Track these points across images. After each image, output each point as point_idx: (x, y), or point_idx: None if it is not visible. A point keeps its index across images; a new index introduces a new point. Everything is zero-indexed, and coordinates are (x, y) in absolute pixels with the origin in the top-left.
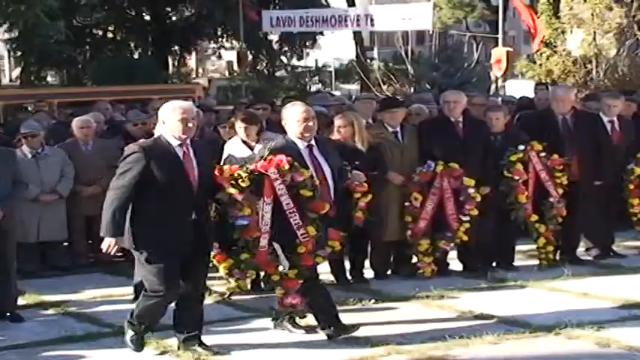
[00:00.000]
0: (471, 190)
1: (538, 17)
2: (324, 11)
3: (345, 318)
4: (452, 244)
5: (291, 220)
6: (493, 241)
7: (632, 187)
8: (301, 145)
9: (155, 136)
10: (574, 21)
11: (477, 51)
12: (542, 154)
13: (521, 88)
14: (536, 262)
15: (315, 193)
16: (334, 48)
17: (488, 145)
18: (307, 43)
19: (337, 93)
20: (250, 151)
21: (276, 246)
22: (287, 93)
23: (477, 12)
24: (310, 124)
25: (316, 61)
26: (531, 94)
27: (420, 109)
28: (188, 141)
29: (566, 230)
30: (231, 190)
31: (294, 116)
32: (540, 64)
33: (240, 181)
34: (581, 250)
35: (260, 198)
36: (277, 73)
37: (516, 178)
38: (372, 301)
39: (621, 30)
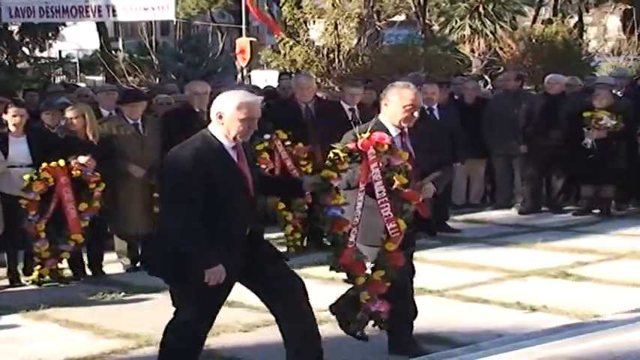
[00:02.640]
0: None
1: (280, 7)
2: (65, 1)
3: (97, 311)
4: None
5: (382, 211)
6: None
7: None
8: (394, 131)
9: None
10: (315, 11)
11: (221, 41)
12: (288, 142)
13: (267, 77)
14: (284, 249)
15: (411, 181)
16: (78, 39)
17: None
18: (50, 34)
19: (82, 84)
20: None
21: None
22: (29, 85)
23: (221, 2)
24: (416, 114)
25: (60, 52)
26: (276, 84)
27: (166, 99)
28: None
29: (312, 217)
30: (329, 173)
31: (402, 100)
32: (284, 54)
33: (339, 162)
34: None
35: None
36: (19, 65)
37: (263, 167)
38: (123, 293)
39: (361, 20)
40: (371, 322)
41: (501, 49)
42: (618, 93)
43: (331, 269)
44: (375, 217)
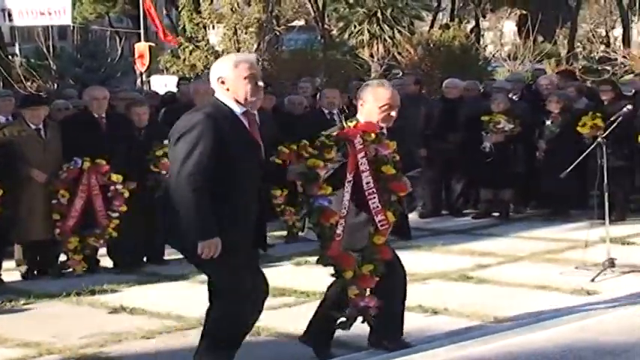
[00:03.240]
0: (119, 187)
1: (179, 12)
2: None
3: None
4: (102, 241)
5: (370, 203)
6: (142, 237)
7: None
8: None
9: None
10: (214, 16)
11: (120, 46)
12: None
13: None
14: None
15: (398, 172)
16: None
17: (132, 140)
18: None
19: None
20: None
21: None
22: None
23: (119, 7)
24: (394, 114)
25: None
26: (175, 89)
27: (64, 104)
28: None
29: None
30: (315, 162)
31: (380, 100)
32: (184, 59)
33: (325, 151)
34: None
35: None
36: None
37: (163, 172)
38: (23, 301)
39: (261, 25)
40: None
41: (400, 53)
42: (515, 97)
43: (318, 262)
44: (360, 218)
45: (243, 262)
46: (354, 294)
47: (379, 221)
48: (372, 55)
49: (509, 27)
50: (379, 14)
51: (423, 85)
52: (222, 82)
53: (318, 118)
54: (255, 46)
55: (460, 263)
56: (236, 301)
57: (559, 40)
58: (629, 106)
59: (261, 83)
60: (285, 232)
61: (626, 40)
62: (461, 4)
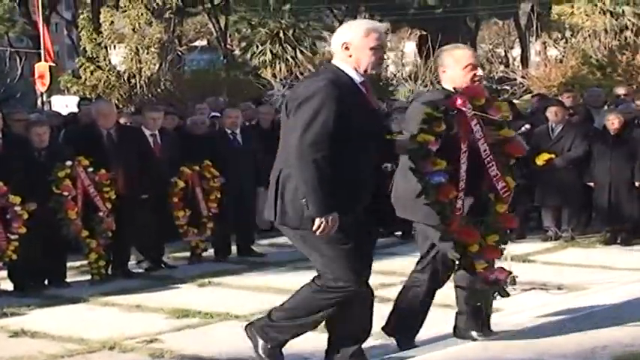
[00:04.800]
0: (18, 208)
1: (79, 32)
2: None
3: None
4: (1, 264)
5: (490, 170)
6: (44, 258)
7: (176, 199)
8: None
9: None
10: (115, 36)
11: (20, 66)
12: (90, 169)
13: (68, 102)
14: (88, 277)
15: (515, 135)
16: None
17: (32, 161)
18: None
19: None
20: None
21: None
22: None
23: (19, 27)
24: (480, 72)
25: None
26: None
27: None
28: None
29: (117, 244)
30: (426, 137)
31: (461, 61)
32: (85, 80)
33: (435, 124)
34: (132, 263)
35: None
36: None
37: (65, 194)
38: None
39: (162, 45)
40: None
41: (302, 73)
42: None
43: (441, 240)
44: None
45: (357, 246)
46: (483, 267)
47: (500, 188)
48: (274, 75)
49: (410, 47)
50: (281, 35)
51: None
52: (347, 48)
53: (220, 139)
54: (157, 66)
55: None
56: (348, 292)
57: None
58: (527, 126)
59: (385, 56)
60: (188, 253)
61: (525, 60)
62: None
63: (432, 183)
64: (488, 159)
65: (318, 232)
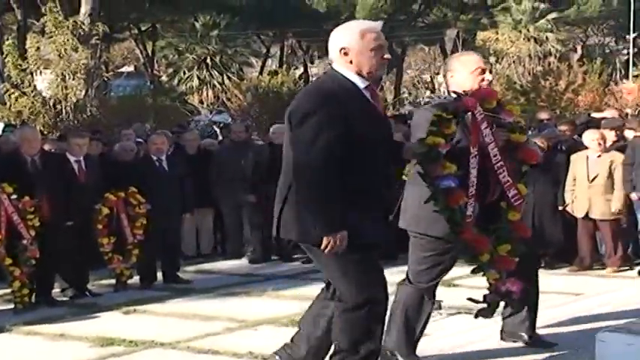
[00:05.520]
0: None
1: (4, 58)
2: None
3: None
4: None
5: (500, 177)
6: None
7: (101, 226)
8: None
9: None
10: (41, 62)
11: None
12: (14, 195)
13: None
14: (11, 305)
15: (528, 140)
16: None
17: None
18: None
19: None
20: None
21: None
22: None
23: None
24: (489, 76)
25: None
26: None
27: None
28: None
29: (40, 272)
30: (435, 140)
31: (468, 65)
32: (9, 106)
33: (444, 127)
34: (56, 291)
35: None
36: None
37: None
38: None
39: (89, 71)
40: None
41: (229, 99)
42: None
43: (455, 251)
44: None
45: (372, 260)
46: (494, 278)
47: (512, 196)
48: (201, 101)
49: None
50: (208, 60)
51: (252, 130)
52: (346, 54)
53: (146, 165)
54: (84, 92)
55: (290, 308)
56: (363, 309)
57: (385, 85)
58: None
59: (387, 55)
60: (113, 280)
61: None
62: (289, 51)
63: (441, 188)
64: (498, 164)
65: (326, 251)
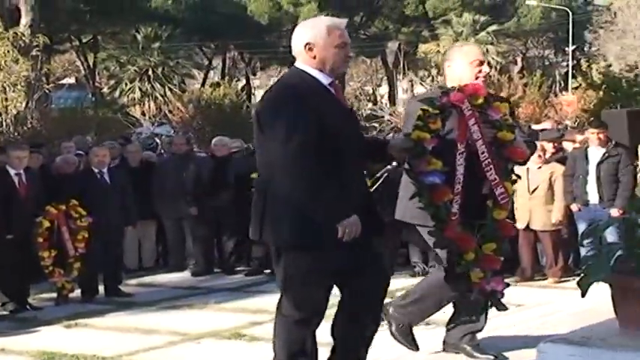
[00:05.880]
0: None
1: None
2: None
3: None
4: None
5: (488, 175)
6: None
7: (41, 240)
8: None
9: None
10: None
11: None
12: None
13: None
14: None
15: (516, 137)
16: None
17: None
18: None
19: None
20: None
21: None
22: None
23: None
24: (486, 69)
25: None
26: None
27: None
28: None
29: None
30: (421, 135)
31: (469, 56)
32: None
33: (431, 122)
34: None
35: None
36: None
37: None
38: None
39: (29, 83)
40: None
41: (171, 111)
42: None
43: (435, 247)
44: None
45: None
46: (479, 277)
47: (499, 194)
48: (143, 113)
49: None
50: (150, 72)
51: (194, 142)
52: (310, 49)
53: (88, 178)
54: (24, 104)
55: (233, 321)
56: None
57: None
58: (394, 163)
59: (351, 54)
60: (54, 294)
61: (392, 98)
62: (231, 63)
63: (425, 183)
64: (485, 162)
65: (344, 238)
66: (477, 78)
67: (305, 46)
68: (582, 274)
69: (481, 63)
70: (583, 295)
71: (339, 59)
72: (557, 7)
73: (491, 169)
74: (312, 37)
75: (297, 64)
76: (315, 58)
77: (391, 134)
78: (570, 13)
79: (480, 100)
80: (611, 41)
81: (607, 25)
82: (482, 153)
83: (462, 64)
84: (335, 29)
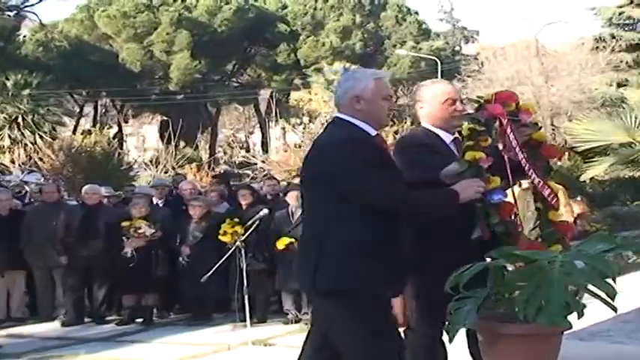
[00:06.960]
0: None
1: None
2: None
3: None
4: None
5: (532, 178)
6: None
7: None
8: (446, 137)
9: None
10: None
11: None
12: None
13: None
14: None
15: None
16: None
17: None
18: None
19: None
20: None
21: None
22: None
23: None
24: (460, 106)
25: None
26: None
27: None
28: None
29: None
30: (476, 154)
31: (438, 97)
32: None
33: (481, 139)
34: None
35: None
36: None
37: None
38: None
39: None
40: None
41: (41, 159)
42: (160, 202)
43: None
44: None
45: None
46: None
47: (548, 195)
48: (12, 161)
49: (152, 132)
50: (20, 120)
51: (65, 190)
52: (358, 102)
53: None
54: None
55: None
56: None
57: (200, 145)
58: (266, 210)
59: (392, 106)
60: None
61: (265, 145)
62: (103, 110)
63: (493, 202)
64: (527, 166)
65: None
66: (452, 117)
67: (353, 99)
68: (449, 322)
69: (454, 101)
70: (450, 342)
71: (385, 113)
72: (426, 56)
73: (534, 172)
74: (360, 90)
75: (341, 115)
76: (360, 110)
77: (262, 182)
78: (439, 63)
79: (512, 106)
80: (479, 90)
81: (474, 74)
82: (522, 159)
83: (433, 104)
84: (381, 79)
